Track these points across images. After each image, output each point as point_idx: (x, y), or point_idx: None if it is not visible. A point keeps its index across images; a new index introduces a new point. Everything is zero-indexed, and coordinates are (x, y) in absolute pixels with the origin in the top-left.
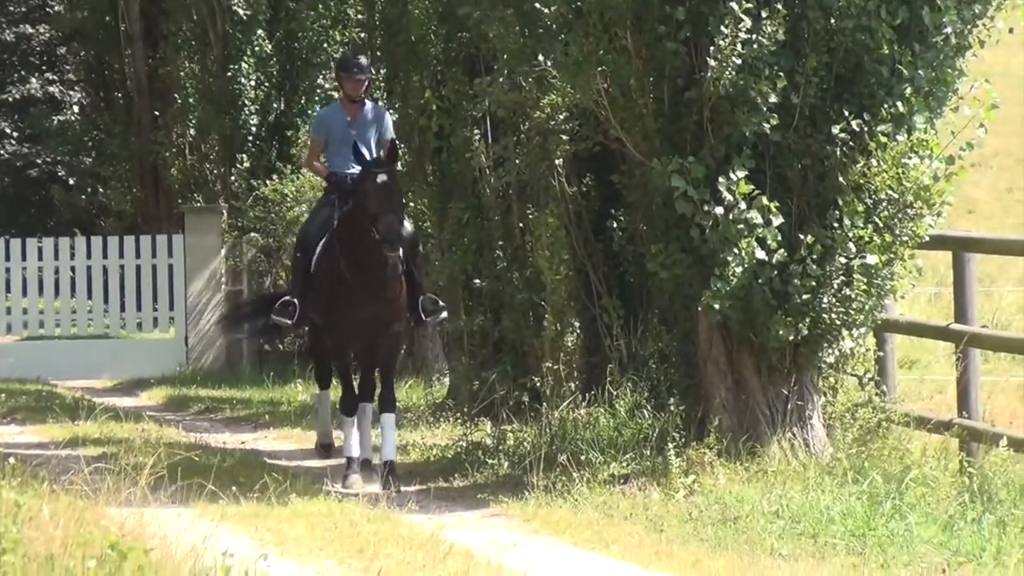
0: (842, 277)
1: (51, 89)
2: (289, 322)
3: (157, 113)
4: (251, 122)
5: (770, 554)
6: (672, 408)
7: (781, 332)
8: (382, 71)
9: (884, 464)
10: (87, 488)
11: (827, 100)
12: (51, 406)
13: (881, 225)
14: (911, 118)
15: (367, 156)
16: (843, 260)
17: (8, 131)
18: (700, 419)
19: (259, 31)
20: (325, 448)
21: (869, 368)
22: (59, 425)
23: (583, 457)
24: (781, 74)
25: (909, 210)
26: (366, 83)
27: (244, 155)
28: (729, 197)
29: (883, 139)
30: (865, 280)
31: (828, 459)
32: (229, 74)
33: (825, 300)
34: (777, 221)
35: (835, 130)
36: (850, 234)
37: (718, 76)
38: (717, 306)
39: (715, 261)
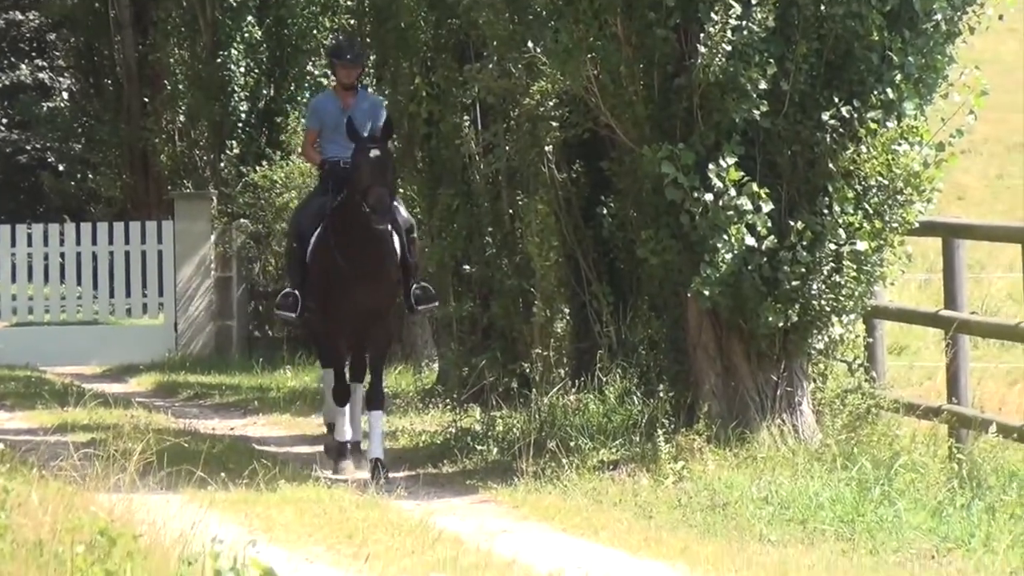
0: (832, 263)
1: (41, 75)
2: (293, 315)
3: (147, 99)
4: (241, 108)
5: (759, 540)
6: (661, 394)
7: (771, 318)
8: (372, 57)
9: (873, 450)
10: (76, 474)
11: (817, 87)
12: (40, 392)
13: (871, 211)
14: (901, 105)
15: (361, 132)
16: (833, 246)
17: None
18: (689, 405)
19: (249, 17)
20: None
21: (859, 354)
22: (48, 411)
23: (572, 443)
24: (771, 61)
25: (899, 196)
26: (359, 70)
27: (234, 141)
28: (719, 184)
29: (873, 126)
30: (855, 266)
31: (817, 445)
32: (219, 60)
33: (815, 286)
34: (767, 208)
35: (825, 117)
36: (840, 220)
37: (708, 63)
38: (707, 292)
39: (705, 247)
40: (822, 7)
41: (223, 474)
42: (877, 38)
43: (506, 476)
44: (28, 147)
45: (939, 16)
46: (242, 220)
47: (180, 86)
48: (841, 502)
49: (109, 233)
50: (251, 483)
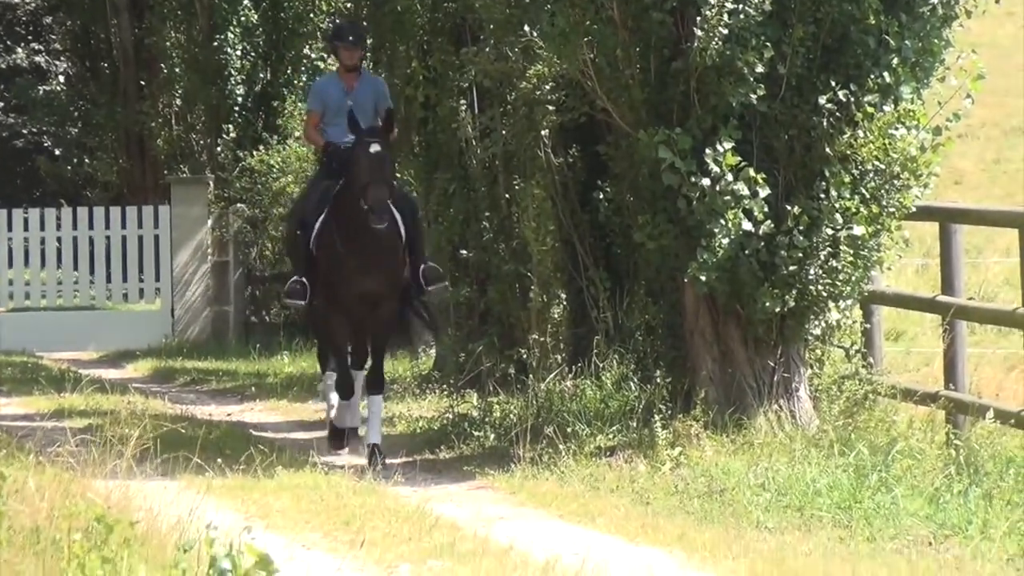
0: (828, 248)
1: (37, 59)
2: (302, 303)
3: (143, 83)
4: (237, 92)
5: (756, 527)
6: (658, 380)
7: (767, 304)
8: (368, 41)
9: (870, 436)
10: (73, 460)
11: (814, 70)
12: (37, 378)
13: (868, 196)
14: (898, 88)
15: (361, 124)
16: (829, 231)
17: None
18: (686, 391)
19: (245, 1)
20: (338, 433)
21: (856, 340)
22: (45, 397)
23: (569, 429)
24: (768, 44)
25: (896, 181)
26: (361, 52)
27: (230, 126)
28: (716, 168)
29: (870, 110)
30: (852, 251)
31: (814, 431)
32: (215, 44)
33: (811, 272)
34: (764, 192)
35: (822, 100)
36: (836, 205)
37: (705, 46)
38: (704, 278)
39: (702, 232)
40: None
41: (220, 460)
42: (874, 22)
43: (503, 462)
44: (24, 131)
45: (936, 0)
46: (239, 205)
47: (176, 70)
48: (838, 488)
49: (106, 218)
50: (248, 469)
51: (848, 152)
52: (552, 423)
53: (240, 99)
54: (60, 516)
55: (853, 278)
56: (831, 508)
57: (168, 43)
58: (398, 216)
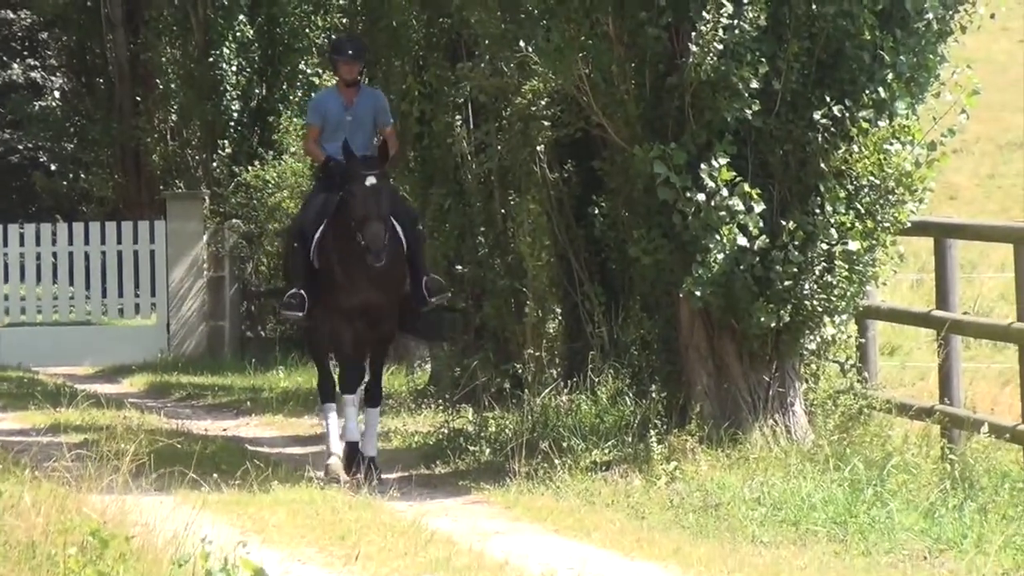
0: (824, 263)
1: (33, 74)
2: (300, 314)
3: (139, 99)
4: (233, 108)
5: (751, 541)
6: (654, 395)
7: (763, 319)
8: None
9: (866, 451)
10: (68, 475)
11: (809, 86)
12: (32, 393)
13: (863, 211)
14: (893, 104)
15: (358, 144)
16: (825, 246)
17: None
18: (682, 406)
19: (241, 16)
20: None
21: (851, 355)
22: (40, 412)
23: (565, 444)
24: (763, 60)
25: (891, 196)
26: (360, 66)
27: (226, 141)
28: (711, 183)
29: (865, 125)
30: (847, 266)
31: (810, 446)
32: (211, 60)
33: (807, 286)
34: (759, 208)
35: (817, 116)
36: (832, 220)
37: (700, 62)
38: (699, 292)
39: (697, 247)
40: (813, 6)
41: (216, 475)
42: (869, 37)
43: (499, 477)
44: (20, 146)
45: (931, 15)
46: (234, 220)
47: (172, 85)
48: (833, 503)
49: (101, 233)
50: (244, 484)
51: (843, 167)
52: (548, 438)
53: (236, 114)
54: (56, 531)
55: (848, 293)
56: (826, 523)
57: (164, 59)
58: (399, 228)
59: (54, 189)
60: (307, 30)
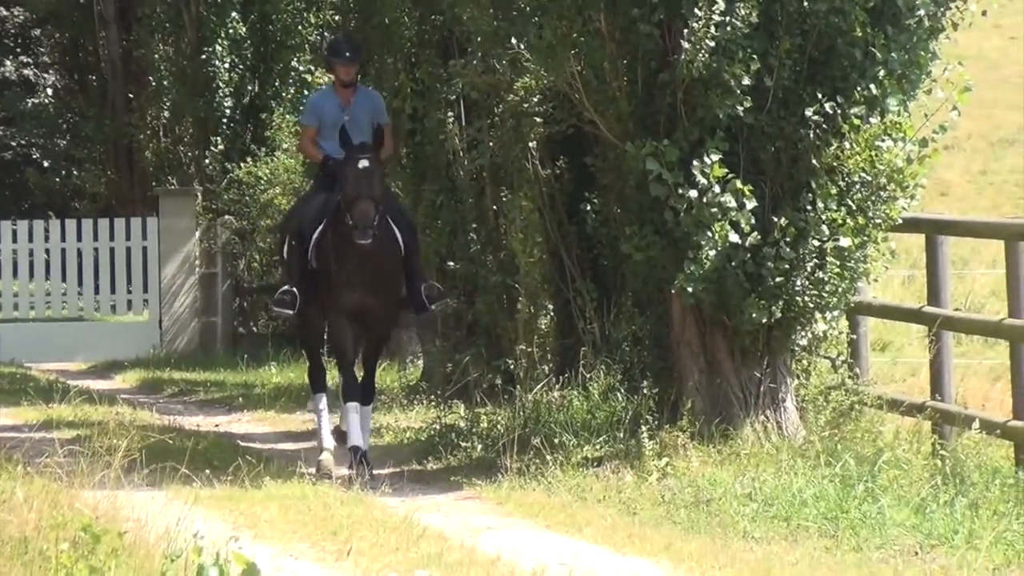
0: (815, 260)
1: (25, 72)
2: (291, 312)
3: (131, 96)
4: (225, 105)
5: (743, 537)
6: (645, 391)
7: (754, 315)
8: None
9: (857, 447)
10: (61, 471)
11: (800, 83)
12: (25, 389)
13: (854, 208)
14: (884, 101)
15: (352, 140)
16: (816, 243)
17: None
18: (673, 402)
19: (233, 13)
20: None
21: (842, 351)
22: (33, 408)
23: (556, 440)
24: (755, 57)
25: (882, 192)
26: (357, 67)
27: (218, 138)
28: (703, 180)
29: (856, 122)
30: (838, 263)
31: (801, 442)
32: (203, 57)
33: (798, 283)
34: (750, 204)
35: (808, 113)
36: (823, 217)
37: (692, 59)
38: (691, 289)
39: (689, 244)
40: (805, 3)
41: (208, 471)
42: (860, 34)
43: (490, 473)
44: (13, 143)
45: (922, 12)
46: (227, 216)
47: (165, 82)
48: (825, 499)
49: (94, 229)
50: (236, 480)
51: (835, 164)
52: (539, 434)
53: (228, 111)
54: (48, 526)
55: (839, 289)
56: (817, 518)
57: (156, 56)
58: (398, 233)
59: (47, 185)
60: (300, 27)
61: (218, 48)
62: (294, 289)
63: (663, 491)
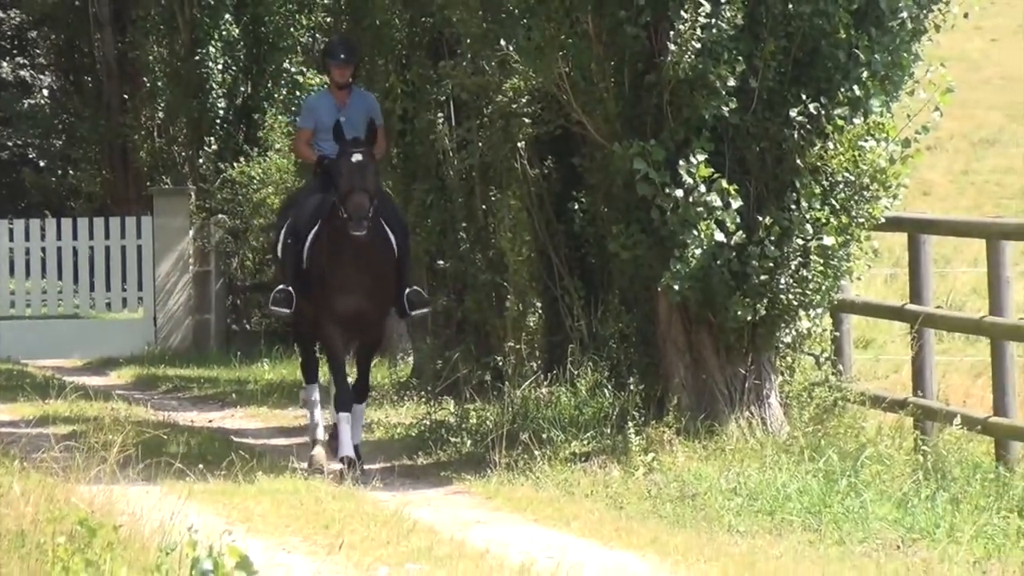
0: (799, 258)
1: (22, 73)
2: (288, 311)
3: (126, 96)
4: (219, 105)
5: (728, 531)
6: (632, 387)
7: (739, 312)
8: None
9: (840, 442)
10: (57, 466)
11: (785, 84)
12: (22, 385)
13: (838, 207)
14: (867, 102)
15: (346, 135)
16: (800, 242)
17: None
18: (659, 398)
19: (226, 16)
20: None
21: (825, 348)
22: (30, 404)
23: (544, 435)
24: (740, 58)
25: (865, 192)
26: (352, 69)
27: (212, 138)
28: (689, 180)
29: (840, 122)
30: (822, 261)
31: (785, 437)
32: (197, 58)
33: (782, 281)
34: (736, 203)
35: (793, 113)
36: (807, 216)
37: (678, 60)
38: (677, 287)
39: (675, 243)
40: (790, 5)
41: (201, 466)
42: (844, 36)
43: (479, 468)
44: (10, 143)
45: (905, 14)
46: (220, 215)
47: (159, 83)
48: (808, 493)
49: (89, 228)
50: (229, 475)
51: (818, 164)
52: (528, 429)
53: (221, 112)
54: (45, 520)
55: (823, 287)
56: (801, 512)
57: (151, 57)
58: (391, 235)
59: (43, 185)
60: (292, 29)
61: (211, 50)
62: (290, 288)
63: (649, 486)
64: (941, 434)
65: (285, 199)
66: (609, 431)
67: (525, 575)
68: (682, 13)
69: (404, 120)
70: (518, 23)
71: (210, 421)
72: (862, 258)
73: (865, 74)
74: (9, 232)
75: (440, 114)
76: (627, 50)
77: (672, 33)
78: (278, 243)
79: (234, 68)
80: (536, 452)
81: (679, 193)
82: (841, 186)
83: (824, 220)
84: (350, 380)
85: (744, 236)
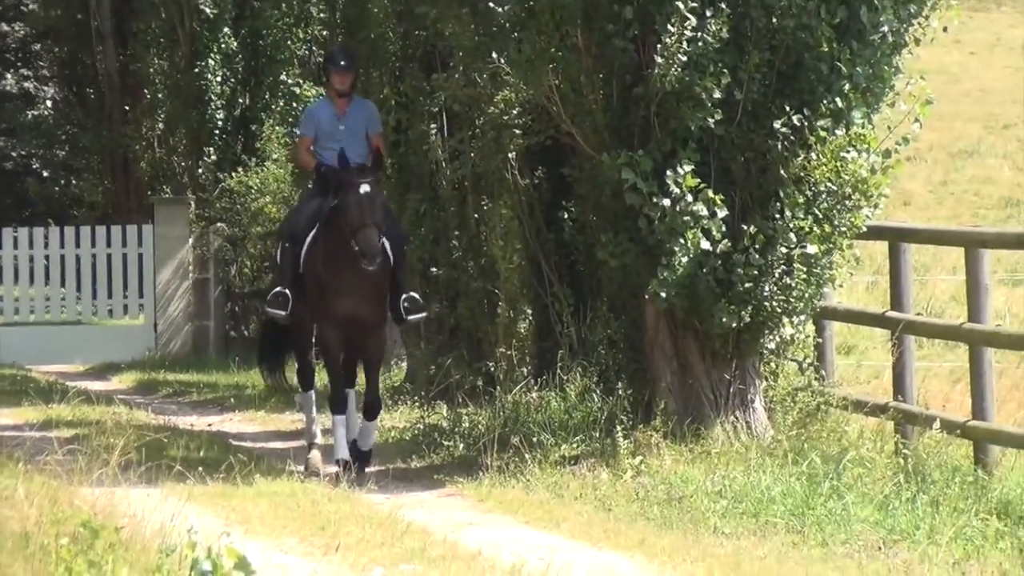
0: (783, 266)
1: (26, 85)
2: (284, 313)
3: (127, 108)
4: (217, 116)
5: (713, 532)
6: (620, 392)
7: (725, 319)
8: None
9: (823, 446)
10: (60, 469)
11: (769, 96)
12: (26, 390)
13: (820, 216)
14: (849, 113)
15: (353, 155)
16: (784, 250)
17: None
18: (647, 402)
19: (225, 29)
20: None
21: (808, 354)
22: (33, 408)
23: (535, 439)
24: (725, 71)
25: (847, 202)
26: (352, 76)
27: (211, 148)
28: (676, 190)
29: (823, 133)
30: (805, 269)
31: (769, 441)
32: (196, 70)
33: (767, 288)
34: (721, 213)
35: (777, 125)
36: (791, 225)
37: (665, 73)
38: (664, 294)
39: (662, 251)
40: (774, 19)
41: (201, 469)
42: (827, 49)
43: (472, 471)
44: (14, 154)
45: (886, 28)
46: (219, 224)
47: (159, 95)
48: (792, 496)
49: (91, 236)
50: (228, 477)
51: (802, 174)
52: (518, 433)
53: (220, 123)
54: (48, 522)
55: (806, 295)
56: (785, 514)
57: (151, 69)
58: (387, 244)
59: (46, 194)
60: (289, 42)
61: (210, 62)
62: (287, 291)
63: (637, 488)
64: (921, 438)
65: (290, 212)
66: (598, 435)
67: (516, 575)
68: (669, 27)
69: (398, 131)
70: (509, 36)
71: (209, 425)
72: (844, 266)
73: (847, 86)
74: (14, 240)
75: (433, 125)
76: (615, 63)
77: (659, 46)
78: (278, 249)
79: (233, 80)
80: (527, 455)
81: (666, 202)
82: (824, 196)
83: (807, 229)
84: (352, 390)
85: (729, 245)
